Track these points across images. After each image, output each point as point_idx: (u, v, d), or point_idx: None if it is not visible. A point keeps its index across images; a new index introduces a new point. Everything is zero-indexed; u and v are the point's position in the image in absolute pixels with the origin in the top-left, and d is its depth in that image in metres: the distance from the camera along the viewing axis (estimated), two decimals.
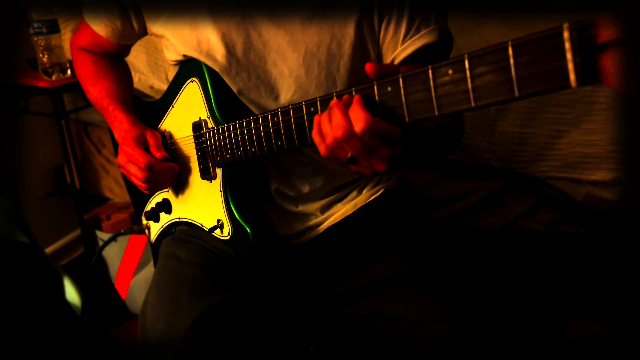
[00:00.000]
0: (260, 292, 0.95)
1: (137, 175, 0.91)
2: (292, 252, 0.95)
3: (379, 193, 0.97)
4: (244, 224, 0.87)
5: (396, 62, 0.86)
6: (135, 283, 1.77)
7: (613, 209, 1.39)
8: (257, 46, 0.86)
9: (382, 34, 0.85)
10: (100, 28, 0.97)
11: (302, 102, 0.70)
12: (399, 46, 0.85)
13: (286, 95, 0.87)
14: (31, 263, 1.46)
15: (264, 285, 0.96)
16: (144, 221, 1.11)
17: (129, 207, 1.89)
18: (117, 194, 2.15)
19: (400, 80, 0.60)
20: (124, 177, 1.16)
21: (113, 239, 1.12)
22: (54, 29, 1.65)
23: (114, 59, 1.08)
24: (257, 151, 0.80)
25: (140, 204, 1.13)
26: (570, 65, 0.46)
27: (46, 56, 1.66)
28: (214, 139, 0.87)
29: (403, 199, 1.02)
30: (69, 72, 1.71)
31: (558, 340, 1.50)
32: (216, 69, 0.88)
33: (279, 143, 0.75)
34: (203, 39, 0.87)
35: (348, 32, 0.84)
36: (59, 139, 1.79)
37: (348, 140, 0.62)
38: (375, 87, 0.62)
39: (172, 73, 1.72)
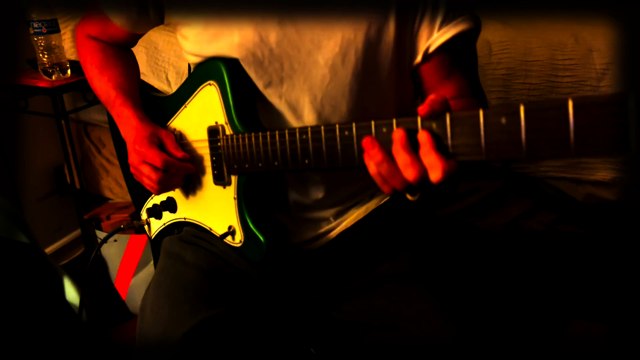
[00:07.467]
0: (263, 302, 0.94)
1: (150, 176, 0.89)
2: (304, 257, 0.94)
3: (388, 197, 0.96)
4: (257, 233, 0.85)
5: (431, 49, 0.84)
6: (135, 283, 1.77)
7: (613, 209, 1.39)
8: (291, 34, 0.82)
9: (417, 22, 0.83)
10: (115, 15, 0.94)
11: (335, 125, 0.67)
12: (434, 32, 0.83)
13: (321, 86, 0.83)
14: (31, 263, 1.46)
15: (269, 294, 0.96)
16: (144, 216, 1.09)
17: (129, 207, 1.88)
18: (117, 194, 2.14)
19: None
20: (125, 174, 1.14)
21: (112, 234, 1.11)
22: (54, 29, 1.65)
23: (122, 49, 1.04)
24: (280, 166, 0.76)
25: (141, 200, 1.12)
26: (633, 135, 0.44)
27: (46, 56, 1.66)
28: (232, 147, 0.84)
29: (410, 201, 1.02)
30: (69, 72, 1.71)
31: (559, 340, 1.50)
32: (249, 59, 0.83)
33: (306, 162, 0.72)
34: (235, 30, 0.84)
35: (388, 19, 0.81)
36: (59, 139, 1.79)
37: (418, 182, 0.59)
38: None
39: (172, 73, 1.73)
